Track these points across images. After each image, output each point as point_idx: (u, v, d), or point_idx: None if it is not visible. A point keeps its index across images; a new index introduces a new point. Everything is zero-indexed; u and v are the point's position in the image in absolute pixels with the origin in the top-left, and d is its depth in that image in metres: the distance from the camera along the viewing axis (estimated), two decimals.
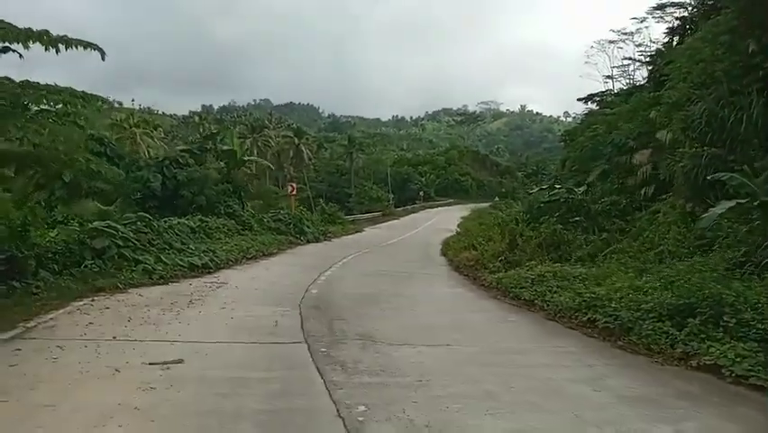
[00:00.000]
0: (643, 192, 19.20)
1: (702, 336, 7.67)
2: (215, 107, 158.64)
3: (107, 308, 10.10)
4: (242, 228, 23.73)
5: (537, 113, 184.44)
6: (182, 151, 25.82)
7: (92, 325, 8.67)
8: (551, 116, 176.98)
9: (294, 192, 33.82)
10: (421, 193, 72.72)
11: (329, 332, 8.85)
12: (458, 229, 37.42)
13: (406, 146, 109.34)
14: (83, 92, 8.86)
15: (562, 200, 22.99)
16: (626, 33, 63.96)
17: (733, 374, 6.72)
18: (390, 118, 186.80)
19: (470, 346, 8.34)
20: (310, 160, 74.70)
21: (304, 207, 33.78)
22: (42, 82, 8.85)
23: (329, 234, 30.70)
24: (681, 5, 53.44)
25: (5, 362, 6.62)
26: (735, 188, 12.80)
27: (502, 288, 13.86)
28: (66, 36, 8.10)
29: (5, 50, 8.53)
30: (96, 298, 10.91)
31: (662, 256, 14.17)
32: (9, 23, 7.98)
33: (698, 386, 6.55)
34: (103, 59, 8.44)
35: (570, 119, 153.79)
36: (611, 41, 66.04)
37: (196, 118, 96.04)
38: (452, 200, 76.45)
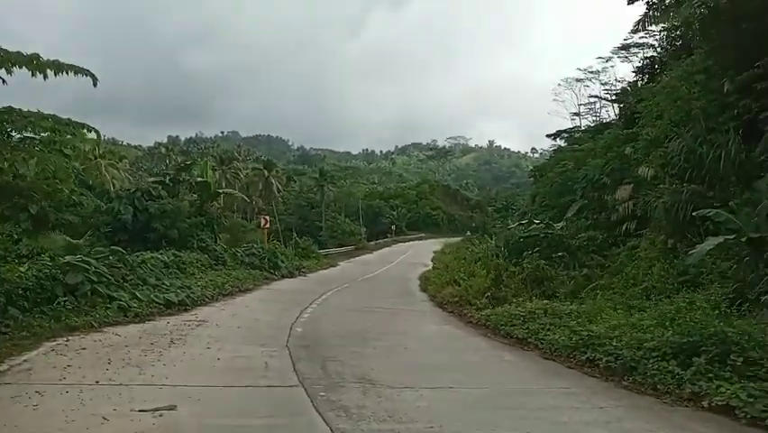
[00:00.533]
0: (624, 227, 19.35)
1: (710, 375, 7.53)
2: (182, 139, 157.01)
3: (84, 348, 9.49)
4: (215, 263, 23.05)
5: (505, 148, 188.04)
6: (154, 182, 25.17)
7: (70, 367, 8.07)
8: (518, 152, 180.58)
9: (267, 225, 33.19)
10: (393, 227, 72.66)
11: (324, 374, 8.43)
12: (433, 264, 37.39)
13: (377, 180, 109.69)
14: (68, 119, 8.43)
15: (541, 235, 23.13)
16: (592, 72, 65.93)
17: (747, 416, 6.56)
18: (360, 152, 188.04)
19: (474, 388, 8.03)
20: (279, 192, 74.19)
21: (277, 241, 33.16)
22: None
23: (303, 269, 30.13)
24: (644, 46, 55.52)
25: None
26: (721, 224, 12.94)
27: (491, 325, 13.63)
28: (57, 60, 7.72)
29: None
30: (70, 337, 10.27)
31: (648, 292, 14.21)
32: None
33: (714, 429, 6.36)
34: (95, 85, 8.07)
35: (537, 155, 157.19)
36: (578, 80, 67.99)
37: (163, 150, 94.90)
38: (423, 234, 76.60)
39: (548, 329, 11.60)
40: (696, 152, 16.94)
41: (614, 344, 9.22)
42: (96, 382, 7.37)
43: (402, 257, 46.13)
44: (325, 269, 33.27)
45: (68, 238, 17.50)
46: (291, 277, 26.80)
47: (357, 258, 44.70)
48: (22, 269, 12.03)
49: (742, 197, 14.83)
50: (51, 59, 7.62)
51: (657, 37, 48.41)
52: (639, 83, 40.48)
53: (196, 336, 11.11)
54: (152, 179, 27.81)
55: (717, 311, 9.59)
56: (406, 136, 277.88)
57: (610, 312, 12.27)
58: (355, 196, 79.37)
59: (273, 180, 72.78)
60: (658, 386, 7.87)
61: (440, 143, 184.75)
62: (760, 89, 16.01)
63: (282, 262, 27.80)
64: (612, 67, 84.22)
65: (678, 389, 7.59)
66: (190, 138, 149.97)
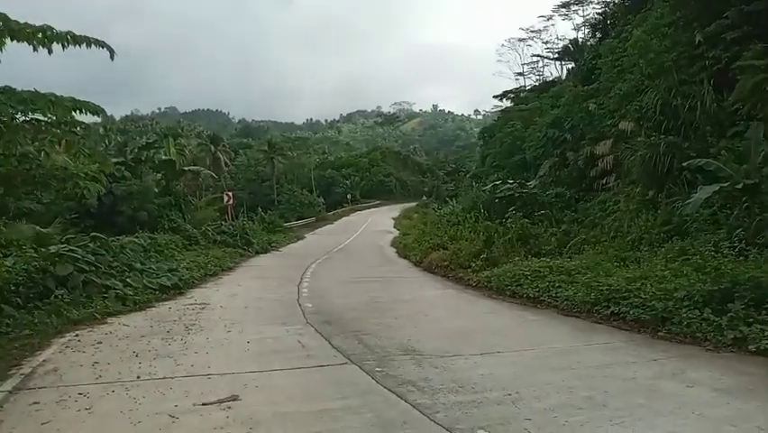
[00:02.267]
0: (604, 182, 19.73)
1: (750, 320, 7.74)
2: (117, 117, 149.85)
3: (99, 342, 8.92)
4: (188, 243, 22.33)
5: (449, 112, 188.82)
6: (116, 163, 23.86)
7: (98, 364, 7.55)
8: (462, 115, 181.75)
9: (230, 202, 32.25)
10: (349, 196, 72.16)
11: (366, 349, 8.21)
12: (398, 230, 37.45)
13: (327, 149, 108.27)
14: (72, 98, 7.68)
15: (516, 195, 23.41)
16: (533, 31, 66.63)
17: None
18: (305, 121, 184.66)
19: (521, 351, 8.00)
20: (227, 167, 72.19)
21: (247, 217, 32.31)
22: None
23: (274, 244, 29.59)
24: (583, 3, 56.31)
25: (33, 420, 5.55)
26: (710, 173, 13.29)
27: (494, 286, 13.70)
28: (71, 32, 6.97)
29: None
30: (78, 332, 9.66)
31: (636, 244, 14.56)
32: (4, 14, 6.71)
33: None
34: (112, 58, 7.35)
35: (480, 117, 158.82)
36: (520, 39, 68.61)
37: (101, 129, 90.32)
38: (378, 201, 76.50)
39: (559, 286, 11.72)
40: (671, 104, 17.30)
41: (641, 296, 9.37)
42: (138, 377, 6.92)
43: (364, 226, 45.97)
44: (294, 242, 32.81)
45: (37, 228, 16.44)
46: (265, 253, 26.29)
47: (320, 229, 44.28)
48: (7, 263, 11.17)
49: (718, 145, 15.31)
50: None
51: None
52: (593, 40, 41.13)
53: (209, 321, 10.67)
54: (114, 159, 26.33)
55: (726, 258, 9.85)
56: (350, 104, 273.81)
57: (607, 265, 12.53)
58: (306, 166, 78.10)
59: (221, 155, 70.64)
60: (697, 334, 8.05)
61: (385, 110, 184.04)
62: (729, 39, 16.42)
63: (253, 238, 27.17)
64: (553, 25, 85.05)
65: (719, 335, 7.77)
66: (126, 116, 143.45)
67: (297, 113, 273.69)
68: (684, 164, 14.10)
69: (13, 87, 7.78)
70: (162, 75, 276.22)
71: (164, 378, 6.89)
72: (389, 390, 6.28)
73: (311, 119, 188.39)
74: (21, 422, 5.51)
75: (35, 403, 6.02)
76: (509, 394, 5.97)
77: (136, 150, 25.89)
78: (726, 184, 12.21)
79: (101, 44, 7.19)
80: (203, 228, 24.84)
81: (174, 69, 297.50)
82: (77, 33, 6.99)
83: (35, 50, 6.89)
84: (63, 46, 6.93)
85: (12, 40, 6.97)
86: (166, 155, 25.61)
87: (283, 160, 75.16)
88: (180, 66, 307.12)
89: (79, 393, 6.29)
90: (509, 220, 19.05)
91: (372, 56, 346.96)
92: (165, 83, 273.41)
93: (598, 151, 19.62)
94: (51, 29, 6.91)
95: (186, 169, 27.90)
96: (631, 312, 9.30)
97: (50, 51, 6.97)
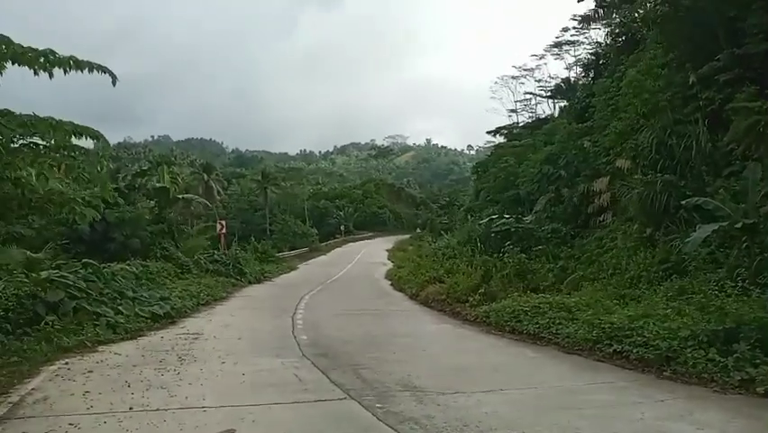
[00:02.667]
0: (601, 218, 19.75)
1: (756, 361, 7.62)
2: (111, 144, 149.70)
3: (90, 371, 8.67)
4: (180, 271, 22.05)
5: (442, 146, 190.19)
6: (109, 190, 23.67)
7: (90, 394, 7.31)
8: (455, 149, 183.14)
9: (223, 231, 32.01)
10: (342, 227, 71.99)
11: (364, 384, 8.00)
12: (393, 262, 37.28)
13: (321, 180, 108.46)
14: (71, 122, 7.59)
15: (512, 229, 23.42)
16: (526, 69, 67.82)
17: None
18: (298, 152, 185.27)
19: (523, 389, 7.81)
20: (220, 196, 72.06)
21: (240, 247, 32.04)
22: None
23: (266, 274, 29.29)
24: (575, 43, 57.45)
25: None
26: (708, 212, 13.30)
27: (492, 322, 13.52)
28: (74, 57, 6.91)
29: None
30: (68, 360, 9.40)
31: (634, 281, 14.50)
32: (7, 37, 6.66)
33: None
34: (114, 84, 7.29)
35: (473, 152, 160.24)
36: (513, 77, 69.82)
37: (98, 154, 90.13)
38: (371, 233, 76.36)
39: (559, 323, 11.57)
40: (666, 143, 17.46)
41: (644, 335, 9.23)
42: (130, 408, 6.69)
43: (358, 257, 45.73)
44: (287, 273, 32.47)
45: (27, 253, 16.14)
46: (258, 283, 25.99)
47: (313, 260, 43.96)
48: None
49: (714, 184, 15.39)
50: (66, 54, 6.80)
51: (586, 35, 50.24)
52: (585, 79, 41.76)
53: (202, 351, 10.42)
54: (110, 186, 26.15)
55: (730, 298, 9.77)
56: (343, 136, 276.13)
57: (606, 302, 12.42)
58: (300, 197, 78.05)
59: (213, 184, 70.60)
60: (703, 375, 7.91)
61: (378, 142, 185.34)
62: (722, 81, 16.67)
63: (246, 267, 26.90)
64: (545, 64, 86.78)
65: (725, 376, 7.64)
66: (119, 143, 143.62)
67: (290, 143, 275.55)
68: (682, 203, 14.10)
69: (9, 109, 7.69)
70: (157, 103, 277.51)
71: (157, 410, 6.66)
72: (392, 427, 6.09)
73: (305, 150, 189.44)
74: None
75: None
76: None
77: (129, 177, 25.69)
78: (725, 223, 12.22)
79: (103, 69, 7.14)
80: (195, 257, 24.57)
81: (168, 97, 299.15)
82: (80, 59, 6.94)
83: (36, 74, 6.84)
84: (65, 71, 6.88)
85: (13, 64, 6.92)
86: (159, 182, 25.47)
87: (276, 190, 75.14)
88: (175, 94, 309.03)
89: (70, 423, 6.08)
90: (506, 255, 18.99)
91: (367, 88, 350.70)
92: (159, 111, 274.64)
93: (595, 187, 19.70)
94: (54, 53, 6.86)
95: (179, 197, 27.74)
96: (634, 351, 9.15)
97: (50, 76, 6.91)
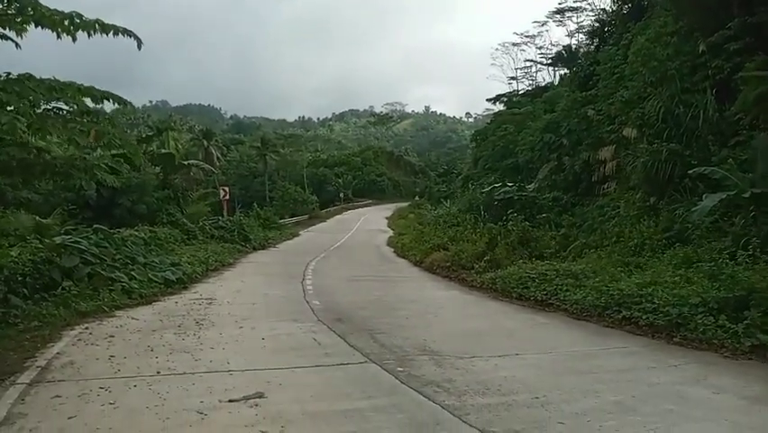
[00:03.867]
0: (605, 187, 19.83)
1: (766, 327, 7.79)
2: (108, 109, 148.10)
3: (111, 336, 8.83)
4: (186, 237, 22.17)
5: (441, 114, 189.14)
6: (115, 155, 23.60)
7: (115, 358, 7.47)
8: (454, 117, 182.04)
9: (227, 197, 32.01)
10: (341, 195, 72.00)
11: (383, 348, 8.17)
12: (393, 229, 37.46)
13: (319, 147, 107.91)
14: (92, 87, 7.53)
15: (515, 198, 23.52)
16: (528, 36, 67.02)
17: None
18: (296, 119, 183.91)
19: (538, 354, 7.99)
20: (219, 162, 71.78)
21: (243, 213, 32.10)
22: None
23: (270, 241, 29.42)
24: (578, 10, 56.62)
25: (58, 414, 5.46)
26: (716, 181, 13.39)
27: (499, 288, 13.71)
28: (100, 20, 6.84)
29: (1, 37, 7.07)
30: (88, 325, 9.55)
31: (638, 249, 14.64)
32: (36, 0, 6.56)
33: None
34: (139, 48, 7.21)
35: (471, 120, 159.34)
36: (514, 44, 69.05)
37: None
38: (370, 201, 76.40)
39: (566, 290, 11.75)
40: (673, 112, 17.40)
41: (653, 301, 9.40)
42: (158, 372, 6.84)
43: (357, 224, 45.88)
44: (290, 239, 32.63)
45: (37, 218, 16.23)
46: (263, 249, 26.13)
47: (314, 227, 44.08)
48: (12, 253, 11.00)
49: (720, 154, 15.42)
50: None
51: (589, 1, 49.47)
52: (588, 47, 41.36)
53: (218, 316, 10.59)
54: (114, 151, 26.06)
55: (741, 266, 9.90)
56: (342, 103, 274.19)
57: (611, 269, 12.59)
58: (299, 164, 77.79)
59: (213, 150, 70.24)
60: (713, 341, 8.08)
61: (377, 110, 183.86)
62: (732, 50, 16.55)
63: (250, 234, 27.02)
64: (547, 31, 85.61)
65: (735, 343, 7.82)
66: (117, 108, 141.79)
67: (289, 110, 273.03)
68: (689, 172, 14.17)
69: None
70: (155, 68, 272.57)
71: (184, 373, 6.82)
72: (415, 390, 6.26)
73: (303, 117, 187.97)
74: (46, 416, 5.43)
75: (57, 397, 5.94)
76: (537, 397, 5.97)
77: (128, 141, 25.39)
78: (732, 192, 12.32)
79: (129, 33, 7.06)
80: (200, 223, 24.67)
81: (167, 62, 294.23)
82: (105, 22, 6.86)
83: (59, 37, 6.78)
84: (89, 34, 6.82)
85: (36, 26, 6.85)
86: (165, 149, 25.36)
87: (275, 157, 74.88)
88: (173, 59, 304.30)
89: (101, 387, 6.22)
90: (510, 223, 19.11)
91: (366, 55, 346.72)
92: (157, 76, 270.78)
93: (600, 156, 19.72)
94: (80, 16, 6.76)
95: (186, 163, 27.66)
96: (644, 317, 9.32)
97: (74, 39, 6.83)
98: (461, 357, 7.63)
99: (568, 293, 11.59)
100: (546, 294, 12.02)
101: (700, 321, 8.44)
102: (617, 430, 5.10)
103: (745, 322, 8.01)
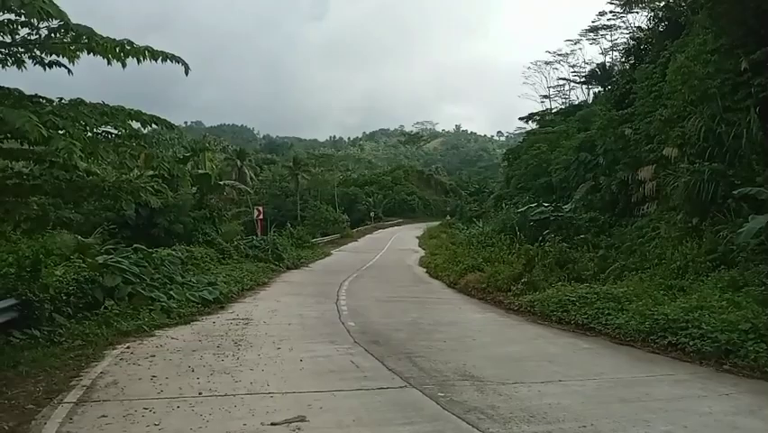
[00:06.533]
0: (644, 207, 19.45)
1: None
2: (144, 131, 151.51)
3: (153, 355, 8.93)
4: (222, 256, 22.42)
5: (472, 132, 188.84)
6: (152, 176, 24.11)
7: (157, 378, 7.54)
8: (485, 136, 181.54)
9: (261, 217, 32.35)
10: (371, 214, 72.18)
11: (422, 372, 8.07)
12: (424, 249, 37.31)
13: (350, 166, 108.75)
14: (139, 111, 7.75)
15: (551, 218, 23.21)
16: (560, 54, 66.68)
17: None
18: (328, 138, 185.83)
19: (583, 380, 7.79)
20: (252, 181, 72.81)
21: (277, 233, 32.39)
22: None
23: (302, 260, 29.58)
24: (611, 28, 56.17)
25: None
26: (762, 201, 13.03)
27: (538, 312, 13.49)
28: (149, 47, 7.06)
29: (55, 64, 7.33)
30: (129, 344, 9.68)
31: (681, 271, 14.27)
32: (90, 29, 6.81)
33: None
34: (186, 73, 7.42)
35: (503, 138, 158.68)
36: (547, 62, 68.76)
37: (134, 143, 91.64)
38: (400, 220, 76.42)
39: (608, 314, 11.50)
40: (714, 131, 17.04)
41: (701, 327, 9.11)
42: (200, 393, 6.87)
43: (389, 243, 45.87)
44: (322, 258, 32.76)
45: (79, 237, 16.61)
46: (296, 268, 26.26)
47: (345, 246, 44.22)
48: (57, 273, 11.26)
49: (764, 174, 14.99)
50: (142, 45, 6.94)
51: (623, 19, 49.02)
52: (624, 65, 40.89)
53: (256, 336, 10.62)
54: (150, 172, 26.67)
55: None
56: (372, 122, 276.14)
57: (654, 293, 12.26)
58: (330, 183, 78.45)
59: (246, 170, 71.46)
60: (766, 369, 7.81)
61: (407, 129, 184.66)
62: None
63: (284, 253, 27.21)
64: (580, 49, 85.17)
65: None
66: (154, 129, 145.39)
67: (320, 129, 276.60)
68: (734, 192, 13.83)
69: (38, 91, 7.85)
70: (189, 89, 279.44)
71: (226, 395, 6.83)
72: (458, 416, 6.14)
73: (334, 136, 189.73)
74: None
75: (103, 417, 6.00)
76: (584, 426, 5.81)
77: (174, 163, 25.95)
78: None
79: (177, 60, 7.26)
80: (235, 242, 24.95)
81: (201, 83, 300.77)
82: (155, 48, 7.05)
83: (109, 63, 6.99)
84: (138, 61, 7.02)
85: (89, 53, 7.08)
86: (201, 169, 25.82)
87: (307, 176, 75.75)
88: (207, 80, 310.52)
89: (145, 408, 6.26)
90: (548, 244, 18.84)
91: (397, 74, 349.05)
92: (192, 97, 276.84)
93: (640, 176, 19.36)
94: (131, 43, 6.98)
95: (220, 183, 28.10)
96: (691, 343, 9.06)
97: (123, 65, 7.04)
98: (503, 383, 7.48)
99: (610, 317, 11.34)
100: (587, 318, 11.78)
101: (751, 348, 8.17)
102: None
103: None
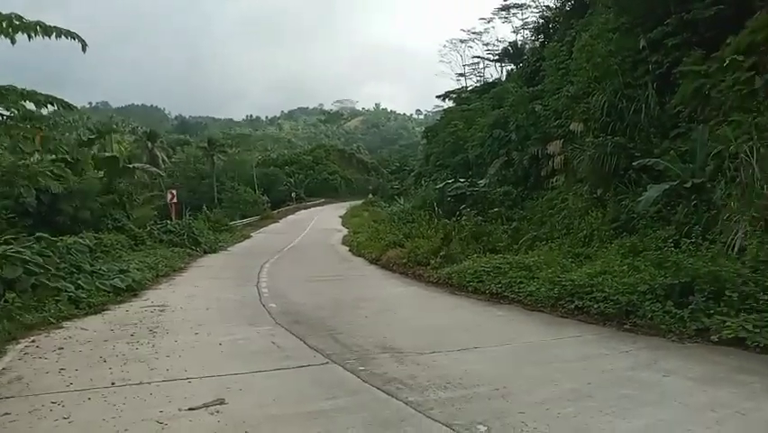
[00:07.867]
0: (553, 181, 20.31)
1: (710, 312, 8.14)
2: (44, 112, 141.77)
3: (61, 348, 8.49)
4: (134, 243, 21.53)
5: (392, 111, 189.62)
6: (53, 160, 22.68)
7: (65, 371, 7.19)
8: (404, 114, 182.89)
9: (174, 200, 31.22)
10: (293, 194, 71.30)
11: (343, 348, 8.15)
12: (347, 228, 37.39)
13: (269, 146, 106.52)
14: (34, 91, 7.20)
15: (467, 193, 23.85)
16: (475, 33, 67.96)
17: (759, 345, 7.18)
18: (244, 118, 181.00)
19: (497, 346, 8.15)
20: (165, 164, 69.96)
21: (193, 216, 31.39)
22: None
23: (221, 244, 28.90)
24: (523, 6, 57.85)
25: (11, 432, 5.23)
26: (660, 172, 13.96)
27: (455, 283, 13.88)
28: (41, 22, 6.52)
29: None
30: (34, 338, 9.16)
31: (588, 240, 15.11)
32: None
33: (736, 360, 6.88)
34: (83, 50, 6.91)
35: (422, 116, 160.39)
36: (462, 41, 69.86)
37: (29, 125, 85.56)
38: (323, 200, 75.97)
39: (521, 282, 12.00)
40: (616, 106, 17.98)
41: (604, 290, 9.70)
42: (112, 383, 6.62)
43: (311, 223, 45.62)
44: (242, 241, 32.19)
45: None
46: (214, 252, 25.66)
47: (266, 228, 43.60)
48: None
49: (661, 146, 16.03)
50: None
51: None
52: (534, 43, 42.21)
53: (172, 323, 10.33)
54: (51, 157, 25.04)
55: (684, 253, 10.32)
56: (291, 101, 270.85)
57: (562, 261, 12.94)
58: (248, 164, 76.58)
59: (158, 152, 68.46)
60: (661, 326, 8.42)
61: (326, 107, 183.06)
62: (671, 45, 17.22)
63: (200, 237, 26.47)
64: (493, 28, 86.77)
65: (682, 327, 8.16)
66: (55, 110, 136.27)
67: (236, 109, 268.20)
68: (634, 164, 14.70)
69: None
70: (93, 69, 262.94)
71: (141, 383, 6.62)
72: (378, 388, 6.27)
73: (251, 115, 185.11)
74: None
75: (6, 414, 5.67)
76: (497, 389, 6.07)
77: (74, 145, 24.62)
78: (674, 183, 12.86)
79: (72, 35, 6.78)
80: (148, 227, 24.02)
81: (106, 62, 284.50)
82: (47, 24, 6.56)
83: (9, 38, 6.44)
84: (29, 36, 6.51)
85: None
86: (108, 152, 24.53)
87: (223, 157, 73.46)
88: (113, 60, 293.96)
89: (53, 402, 5.98)
90: (464, 218, 19.36)
91: (315, 53, 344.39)
92: (96, 77, 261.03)
93: (549, 150, 20.18)
94: (20, 18, 6.45)
95: (132, 166, 26.83)
96: (595, 306, 9.63)
97: (12, 41, 6.51)
98: (421, 353, 7.69)
99: (522, 285, 11.84)
100: (501, 287, 12.25)
101: (648, 308, 8.78)
102: (574, 417, 5.24)
103: (690, 307, 8.36)
